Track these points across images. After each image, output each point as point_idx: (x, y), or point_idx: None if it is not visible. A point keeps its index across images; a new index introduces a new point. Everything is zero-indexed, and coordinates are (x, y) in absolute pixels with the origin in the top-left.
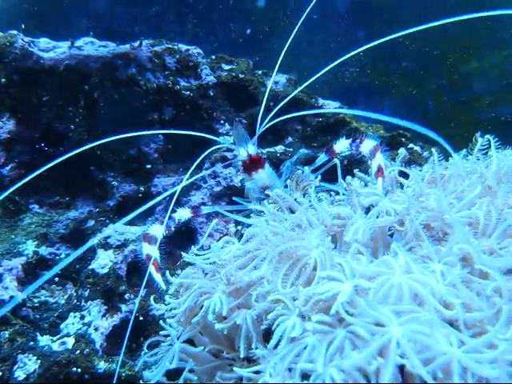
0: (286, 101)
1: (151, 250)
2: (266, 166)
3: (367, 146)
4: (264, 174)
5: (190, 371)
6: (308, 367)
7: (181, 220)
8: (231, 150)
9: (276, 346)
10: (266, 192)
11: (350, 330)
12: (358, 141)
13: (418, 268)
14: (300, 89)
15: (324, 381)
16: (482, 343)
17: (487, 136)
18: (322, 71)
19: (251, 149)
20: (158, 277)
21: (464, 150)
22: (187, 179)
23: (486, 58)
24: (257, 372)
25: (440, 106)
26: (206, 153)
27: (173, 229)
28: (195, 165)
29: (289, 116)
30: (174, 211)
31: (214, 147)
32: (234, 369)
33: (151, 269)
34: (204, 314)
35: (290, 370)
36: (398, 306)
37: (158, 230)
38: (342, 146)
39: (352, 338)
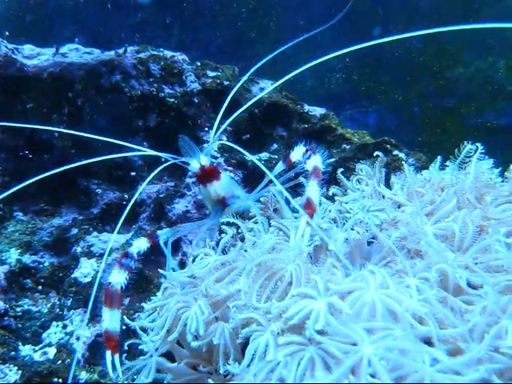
0: (228, 99)
1: (111, 320)
2: (223, 177)
3: (311, 163)
4: (219, 186)
5: None
6: None
7: (140, 253)
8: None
9: (251, 360)
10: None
11: (322, 348)
12: (310, 153)
13: (394, 284)
14: (244, 79)
15: None
16: (456, 363)
17: (473, 146)
18: (269, 57)
19: (204, 160)
20: (115, 359)
21: (439, 158)
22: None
23: (471, 64)
24: None
25: (426, 111)
26: (156, 171)
27: (133, 268)
28: (146, 181)
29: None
30: (129, 245)
31: (164, 165)
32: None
33: (107, 354)
34: (182, 327)
35: None
36: (371, 322)
37: (118, 277)
38: (297, 154)
39: (324, 356)
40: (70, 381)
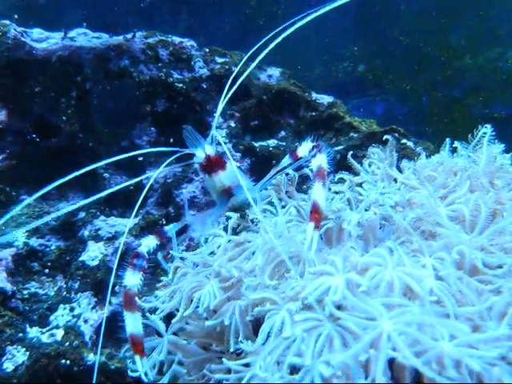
0: (231, 86)
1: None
2: (228, 167)
3: (316, 162)
4: (224, 176)
5: (179, 363)
6: (296, 361)
7: (150, 251)
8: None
9: (266, 339)
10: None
11: (339, 324)
12: (316, 151)
13: (411, 261)
14: (241, 63)
15: (313, 376)
16: (475, 339)
17: (486, 129)
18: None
19: (208, 149)
20: (145, 364)
21: (448, 141)
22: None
23: (480, 55)
24: (246, 365)
25: (434, 101)
26: (164, 164)
27: (147, 267)
28: (156, 173)
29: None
30: (139, 245)
31: (171, 158)
32: (224, 360)
33: (137, 360)
34: (194, 307)
35: (278, 363)
36: (389, 298)
37: (134, 280)
38: (304, 149)
39: (342, 332)
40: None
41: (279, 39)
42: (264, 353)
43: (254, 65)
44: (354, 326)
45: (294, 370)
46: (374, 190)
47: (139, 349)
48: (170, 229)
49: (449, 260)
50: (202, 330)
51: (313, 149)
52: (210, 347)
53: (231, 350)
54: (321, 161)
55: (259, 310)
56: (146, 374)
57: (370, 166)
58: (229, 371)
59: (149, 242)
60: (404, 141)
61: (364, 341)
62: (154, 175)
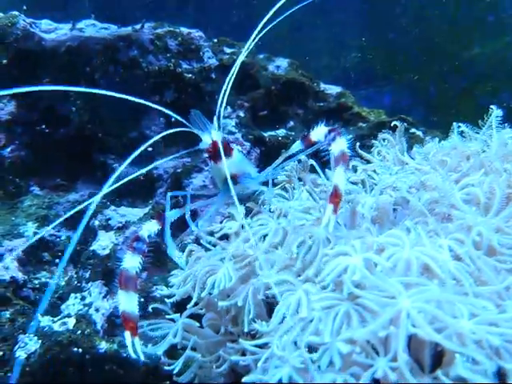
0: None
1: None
2: (235, 154)
3: (338, 147)
4: (230, 163)
5: (193, 349)
6: (315, 340)
7: (151, 236)
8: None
9: (281, 320)
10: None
11: (358, 303)
12: (334, 134)
13: (428, 241)
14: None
15: (332, 354)
16: (497, 318)
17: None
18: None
19: (215, 135)
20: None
21: (455, 125)
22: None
23: (488, 44)
24: (260, 346)
25: (442, 92)
26: (165, 133)
27: (146, 251)
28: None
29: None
30: (140, 228)
31: (173, 130)
32: (240, 340)
33: (126, 335)
34: (209, 290)
35: (295, 343)
36: (407, 277)
37: (132, 262)
38: (318, 134)
39: (360, 311)
40: None
41: (273, 24)
42: (280, 333)
43: (247, 46)
44: (374, 304)
45: (311, 349)
46: (387, 173)
47: (131, 326)
48: (170, 215)
49: (466, 241)
50: (216, 312)
51: (329, 133)
52: (226, 329)
53: (245, 330)
54: (342, 145)
55: (273, 291)
56: (135, 353)
57: (378, 153)
58: (243, 354)
59: (150, 227)
60: (413, 130)
61: (383, 317)
62: (163, 160)
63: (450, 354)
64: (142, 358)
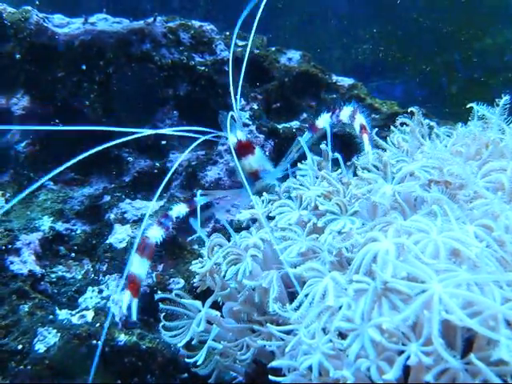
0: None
1: (139, 266)
2: (257, 152)
3: (345, 113)
4: (253, 160)
5: (214, 340)
6: (345, 326)
7: (179, 217)
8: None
9: (309, 306)
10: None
11: (387, 288)
12: (338, 111)
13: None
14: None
15: (363, 340)
16: None
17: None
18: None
19: (240, 134)
20: (133, 303)
21: (476, 110)
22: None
23: (500, 35)
24: (287, 333)
25: (453, 83)
26: (193, 146)
27: (171, 228)
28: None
29: None
30: (170, 209)
31: (200, 139)
32: (268, 325)
33: (126, 294)
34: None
35: (324, 330)
36: (436, 263)
37: (156, 233)
38: (323, 120)
39: (390, 297)
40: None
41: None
42: (307, 319)
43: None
44: (406, 289)
45: (339, 336)
46: (406, 160)
47: (134, 288)
48: (200, 200)
49: (495, 226)
50: (241, 302)
51: (333, 113)
52: (251, 316)
53: (270, 310)
54: (360, 120)
55: (302, 276)
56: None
57: (393, 143)
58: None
59: (180, 209)
60: (426, 121)
61: (416, 303)
62: (184, 153)
63: (482, 340)
64: (135, 317)
